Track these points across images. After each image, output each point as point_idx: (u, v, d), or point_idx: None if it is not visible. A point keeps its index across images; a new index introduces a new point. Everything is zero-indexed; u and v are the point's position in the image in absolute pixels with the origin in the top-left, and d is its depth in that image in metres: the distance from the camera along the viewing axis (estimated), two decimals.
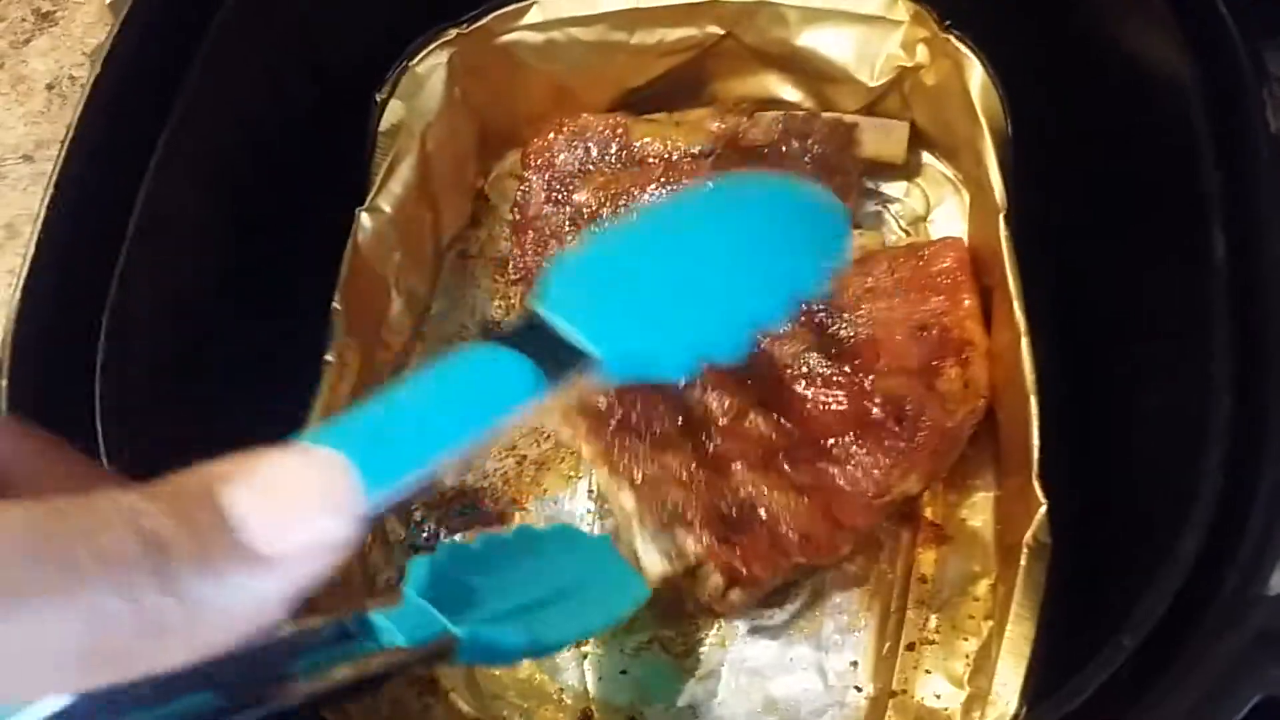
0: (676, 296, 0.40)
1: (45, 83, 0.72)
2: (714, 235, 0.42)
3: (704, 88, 0.65)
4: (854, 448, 0.54)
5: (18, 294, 0.46)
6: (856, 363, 0.56)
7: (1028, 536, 0.47)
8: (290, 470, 0.25)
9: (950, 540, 0.55)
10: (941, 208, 0.63)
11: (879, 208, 0.64)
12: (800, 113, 0.63)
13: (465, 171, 0.65)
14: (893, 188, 0.64)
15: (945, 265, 0.57)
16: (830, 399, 0.55)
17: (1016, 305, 0.52)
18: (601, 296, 0.39)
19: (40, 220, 0.47)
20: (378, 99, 0.59)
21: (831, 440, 0.54)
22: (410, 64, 0.60)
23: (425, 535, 0.59)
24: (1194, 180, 0.43)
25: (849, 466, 0.53)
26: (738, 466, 0.53)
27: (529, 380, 0.35)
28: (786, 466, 0.54)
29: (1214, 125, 0.44)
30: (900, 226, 0.63)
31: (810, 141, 0.61)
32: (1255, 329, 0.41)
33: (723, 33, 0.62)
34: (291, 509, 0.24)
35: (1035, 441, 0.49)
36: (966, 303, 0.56)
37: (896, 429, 0.53)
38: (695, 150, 0.61)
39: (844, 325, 0.57)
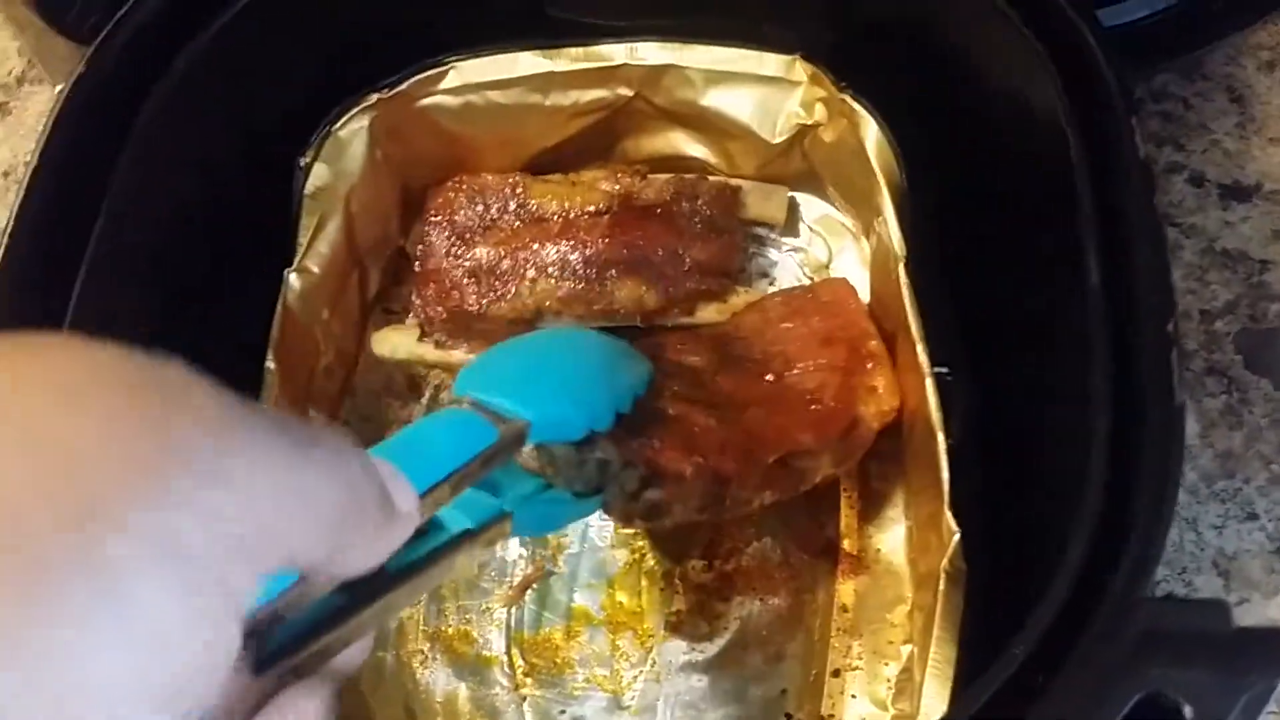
0: (564, 383, 0.52)
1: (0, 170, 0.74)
2: (578, 349, 0.56)
3: (613, 145, 0.68)
4: (773, 410, 0.57)
5: None
6: (771, 365, 0.60)
7: (944, 563, 0.50)
8: (383, 465, 0.30)
9: (868, 570, 0.58)
10: (842, 257, 0.66)
11: (783, 256, 0.68)
12: (690, 176, 0.67)
13: (388, 230, 0.67)
14: (794, 240, 0.68)
15: (835, 296, 0.62)
16: (751, 382, 0.59)
17: (920, 348, 0.55)
18: (518, 381, 0.50)
19: None
20: (302, 164, 0.61)
21: (752, 402, 0.58)
22: (333, 128, 0.62)
23: None
24: (1072, 209, 0.47)
25: (768, 417, 0.57)
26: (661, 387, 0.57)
27: (490, 433, 0.43)
28: (706, 409, 0.57)
29: (1089, 155, 0.48)
30: (804, 275, 0.67)
31: (699, 203, 0.65)
32: (1130, 346, 0.44)
33: (632, 94, 0.65)
34: (398, 487, 0.30)
35: (945, 475, 0.52)
36: (862, 324, 0.61)
37: (813, 401, 0.57)
38: (591, 209, 0.64)
39: (750, 348, 0.61)
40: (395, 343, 0.66)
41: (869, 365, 0.59)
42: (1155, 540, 0.42)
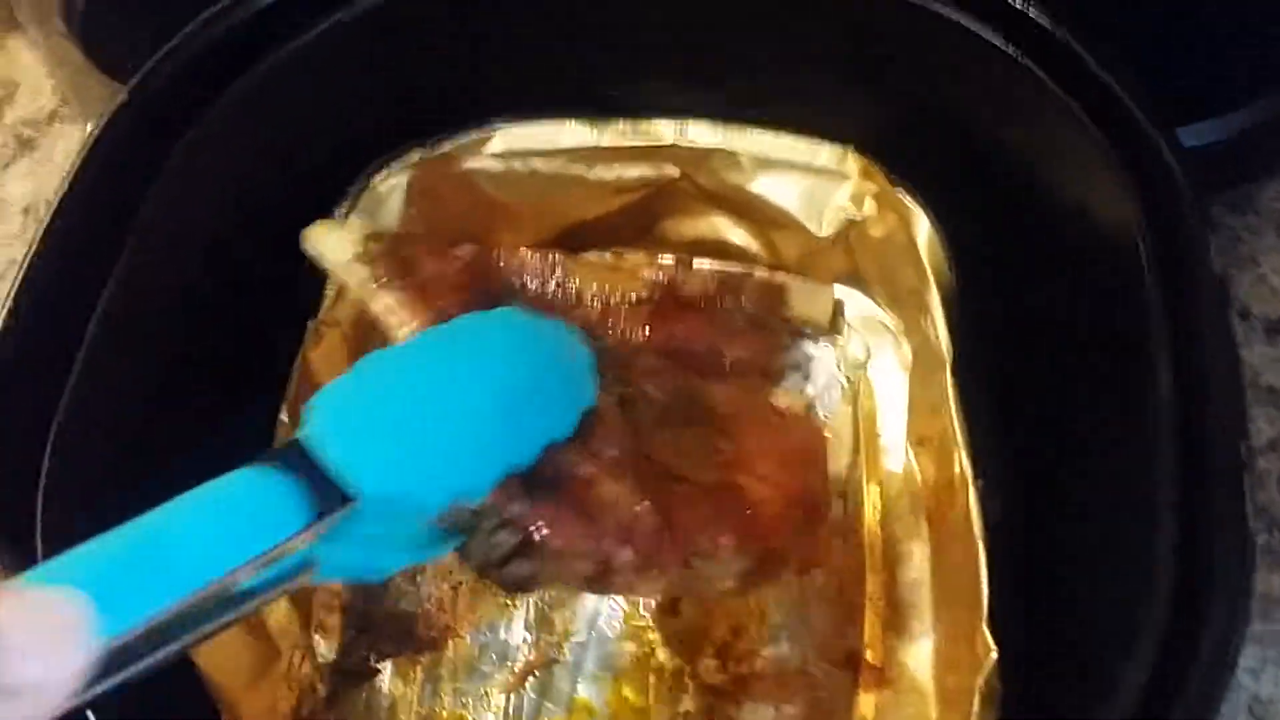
0: (440, 434, 0.41)
1: (22, 206, 0.73)
2: (477, 377, 0.44)
3: (653, 225, 0.67)
4: (706, 500, 0.51)
5: None
6: (729, 452, 0.54)
7: (979, 682, 0.47)
8: (19, 610, 0.25)
9: (891, 684, 0.55)
10: (880, 356, 0.64)
11: (819, 351, 0.66)
12: (735, 270, 0.66)
13: None
14: (833, 336, 0.66)
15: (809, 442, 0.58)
16: (699, 458, 0.53)
17: (963, 453, 0.53)
18: (371, 422, 0.40)
19: None
20: (337, 214, 0.59)
21: (688, 480, 0.51)
22: (371, 181, 0.60)
23: (355, 658, 0.57)
24: (1143, 319, 0.46)
25: (697, 503, 0.50)
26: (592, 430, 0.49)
27: (300, 509, 0.34)
28: (631, 472, 0.49)
29: (1162, 266, 0.46)
30: (840, 371, 0.65)
31: (743, 299, 0.63)
32: (1198, 462, 0.42)
33: (678, 174, 0.63)
34: (20, 649, 0.25)
35: (984, 588, 0.50)
36: (824, 483, 0.57)
37: (750, 512, 0.51)
38: (632, 296, 0.62)
39: (718, 419, 0.56)
40: (329, 243, 0.55)
41: (816, 518, 0.55)
42: (1219, 680, 0.39)
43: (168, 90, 0.52)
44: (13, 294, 0.47)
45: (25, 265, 0.48)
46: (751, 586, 0.52)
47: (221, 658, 0.50)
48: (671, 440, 0.53)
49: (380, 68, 0.58)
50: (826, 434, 0.63)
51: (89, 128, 0.73)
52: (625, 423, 0.51)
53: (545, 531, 0.45)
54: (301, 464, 0.36)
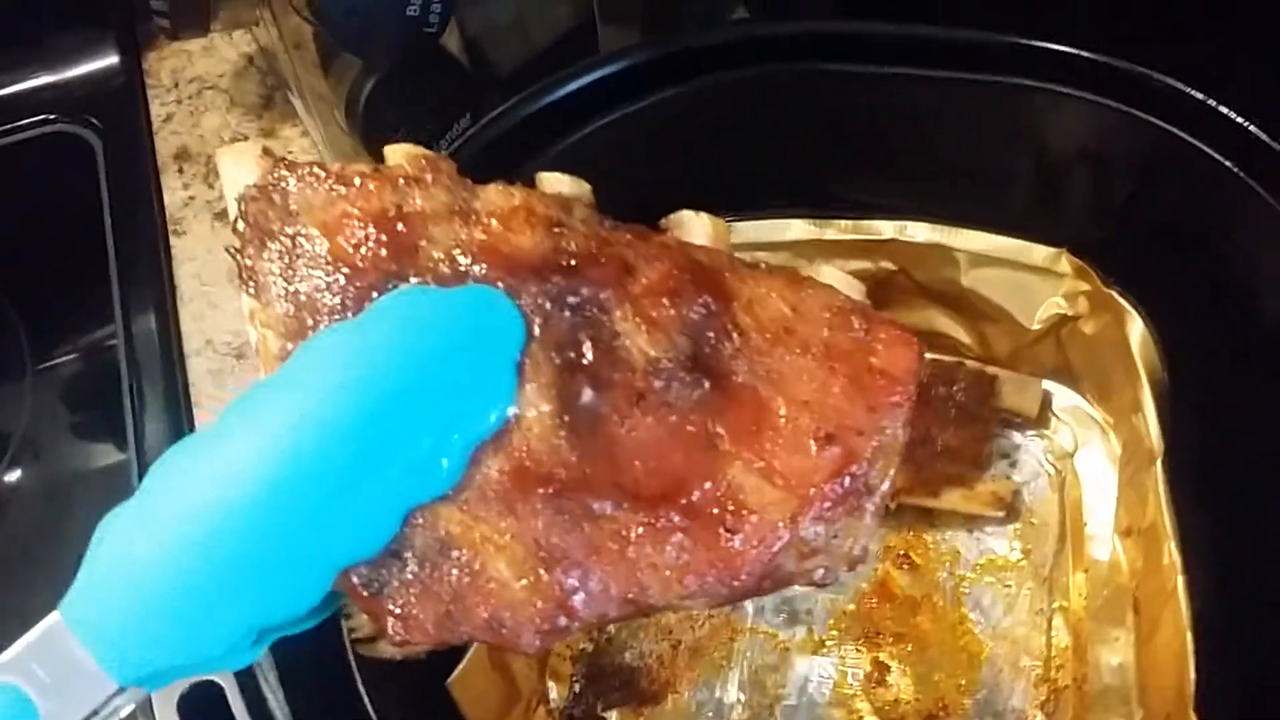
0: (241, 558, 0.34)
1: None
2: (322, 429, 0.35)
3: None
4: (648, 519, 0.38)
5: None
6: (722, 417, 0.39)
7: None
8: None
9: None
10: (1088, 448, 0.67)
11: (1027, 441, 0.68)
12: (948, 360, 0.69)
13: None
14: (1041, 427, 0.69)
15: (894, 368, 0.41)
16: (669, 436, 0.39)
17: (1173, 545, 0.55)
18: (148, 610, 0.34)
19: None
20: None
21: (624, 492, 0.38)
22: None
23: (583, 706, 0.62)
24: None
25: (625, 535, 0.38)
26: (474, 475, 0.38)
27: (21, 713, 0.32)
28: (542, 498, 0.38)
29: None
30: (1048, 462, 0.67)
31: (955, 389, 0.67)
32: None
33: (896, 268, 0.67)
34: None
35: (1192, 675, 0.51)
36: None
37: (716, 532, 0.38)
38: None
39: (730, 359, 0.40)
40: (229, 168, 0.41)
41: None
42: None
43: None
44: None
45: None
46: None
47: (475, 692, 0.55)
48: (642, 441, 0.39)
49: (628, 169, 0.64)
50: (1032, 521, 0.65)
51: None
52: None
53: (398, 626, 0.38)
54: (43, 648, 0.33)
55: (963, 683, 0.61)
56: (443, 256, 0.40)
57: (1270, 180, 0.55)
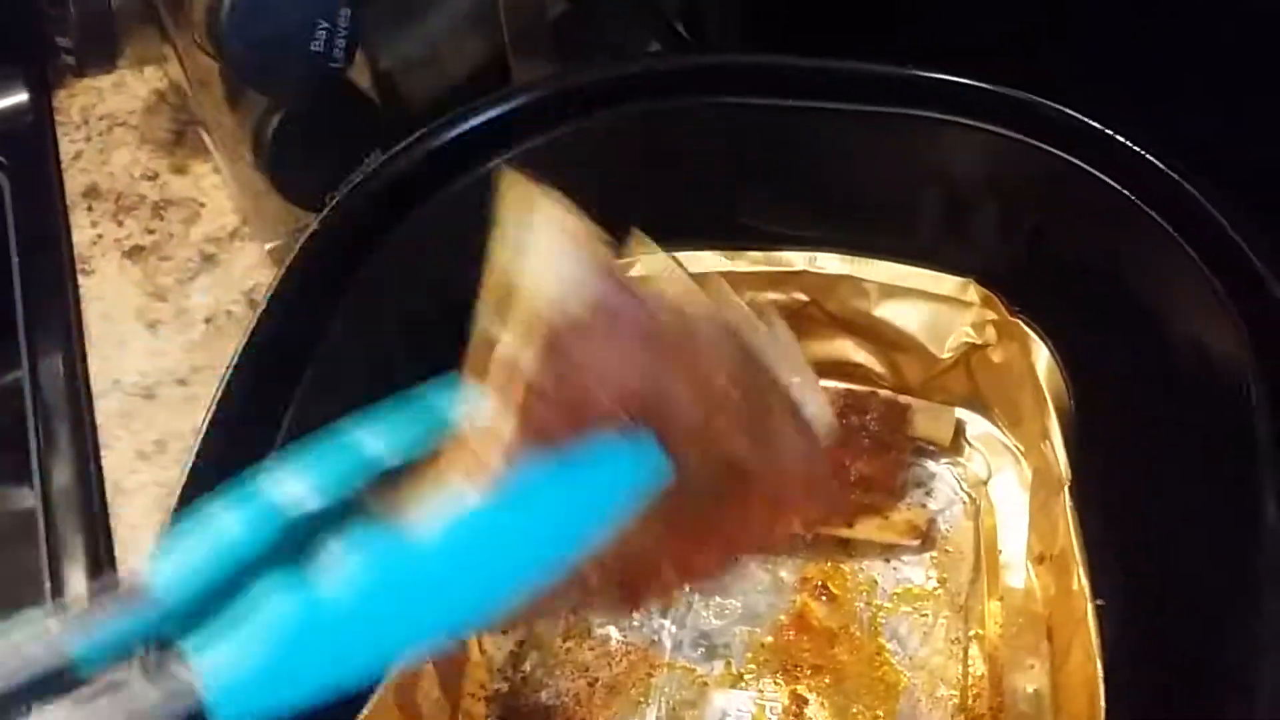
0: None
1: (204, 316, 0.80)
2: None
3: None
4: None
5: (175, 499, 0.50)
6: None
7: None
8: None
9: None
10: (1001, 474, 0.67)
11: (940, 469, 0.69)
12: (860, 389, 0.69)
13: None
14: (955, 455, 0.69)
15: None
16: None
17: (1081, 571, 0.55)
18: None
19: (201, 434, 0.52)
20: None
21: None
22: None
23: None
24: (1249, 459, 0.48)
25: None
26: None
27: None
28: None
29: (1271, 410, 0.49)
30: (963, 490, 0.67)
31: (868, 418, 0.67)
32: None
33: (807, 299, 0.67)
34: None
35: (1102, 701, 0.52)
36: None
37: None
38: None
39: None
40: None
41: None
42: None
43: (351, 220, 0.59)
44: (211, 411, 0.52)
45: (222, 385, 0.53)
46: None
47: None
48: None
49: None
50: (948, 549, 0.65)
51: (266, 246, 0.81)
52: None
53: None
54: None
55: (880, 714, 0.61)
56: None
57: (1167, 208, 0.56)
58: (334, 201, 0.59)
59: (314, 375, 0.55)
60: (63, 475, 0.73)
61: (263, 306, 0.55)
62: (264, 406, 0.53)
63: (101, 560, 0.70)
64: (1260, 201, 0.55)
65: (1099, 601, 0.54)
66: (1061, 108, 0.58)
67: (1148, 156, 0.56)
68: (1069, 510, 0.57)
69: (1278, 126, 0.63)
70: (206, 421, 0.52)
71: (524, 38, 0.76)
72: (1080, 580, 0.55)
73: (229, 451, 0.52)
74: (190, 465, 0.50)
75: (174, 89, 0.91)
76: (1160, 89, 0.60)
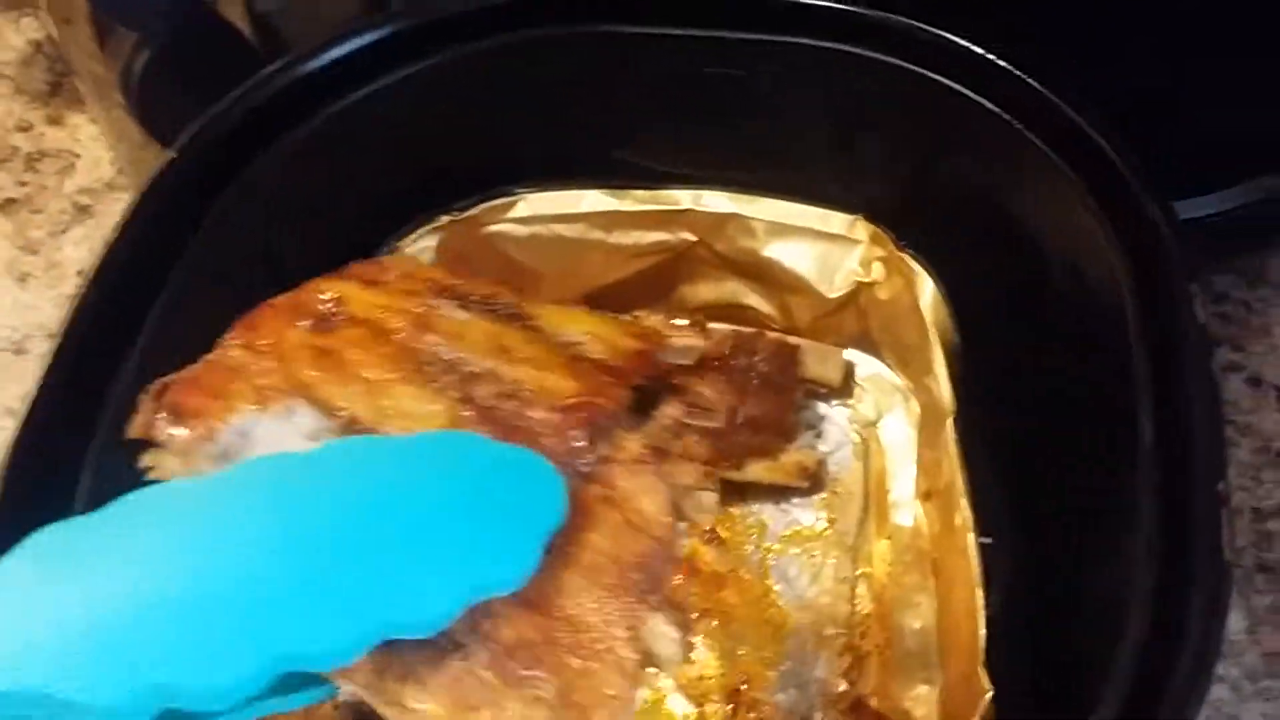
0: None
1: (77, 269, 0.78)
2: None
3: (672, 289, 0.69)
4: None
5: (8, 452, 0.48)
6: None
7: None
8: None
9: None
10: (890, 414, 0.66)
11: (831, 411, 0.68)
12: (748, 331, 0.68)
13: None
14: (844, 397, 0.68)
15: None
16: None
17: (964, 502, 0.55)
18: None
19: (37, 385, 0.49)
20: None
21: None
22: (399, 244, 0.64)
23: None
24: (1127, 374, 0.48)
25: None
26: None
27: None
28: None
29: (1146, 319, 0.48)
30: (853, 431, 0.67)
31: (757, 359, 0.65)
32: (1181, 506, 0.44)
33: (694, 239, 0.66)
34: None
35: (981, 631, 0.51)
36: None
37: None
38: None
39: None
40: None
41: None
42: (1191, 706, 0.40)
43: (209, 150, 0.56)
44: (55, 345, 0.50)
45: (71, 312, 0.51)
46: None
47: None
48: None
49: (411, 136, 0.62)
50: (837, 490, 0.65)
51: None
52: None
53: None
54: None
55: (767, 655, 0.60)
56: None
57: (1048, 134, 0.55)
58: (193, 129, 0.56)
59: (165, 310, 0.53)
60: None
61: (115, 233, 0.52)
62: (112, 341, 0.51)
63: None
64: (1148, 136, 0.54)
65: (985, 539, 0.54)
66: (943, 34, 0.57)
67: (1029, 81, 0.55)
68: (952, 443, 0.57)
69: (1220, 88, 0.63)
70: (51, 353, 0.49)
71: None
72: (964, 513, 0.55)
73: (75, 379, 0.49)
74: (30, 402, 0.48)
75: (50, 40, 0.88)
76: (1108, 49, 0.60)
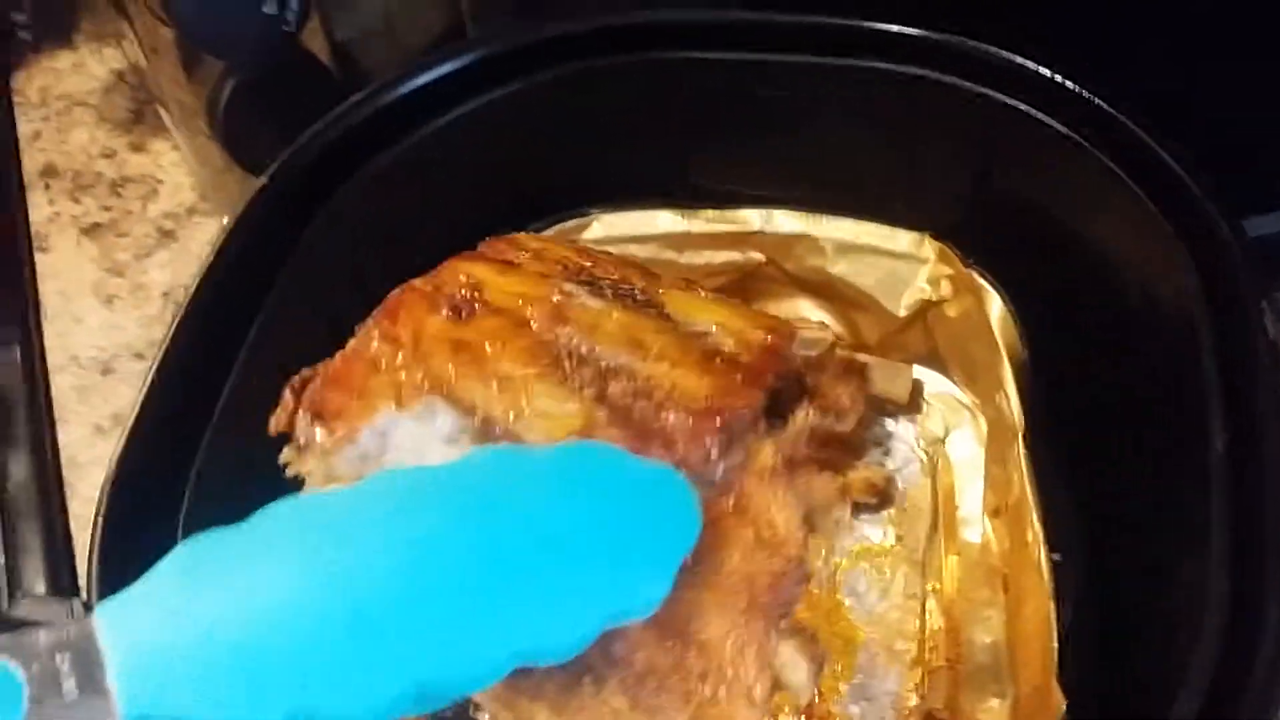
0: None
1: (161, 291, 0.80)
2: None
3: None
4: None
5: (113, 467, 0.50)
6: None
7: None
8: None
9: None
10: (958, 431, 0.67)
11: (898, 428, 0.68)
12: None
13: None
14: (912, 413, 0.68)
15: None
16: None
17: (1035, 518, 0.55)
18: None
19: (138, 404, 0.51)
20: None
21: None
22: None
23: None
24: (1198, 386, 0.48)
25: None
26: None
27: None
28: None
29: (1218, 338, 0.49)
30: (920, 448, 0.67)
31: (825, 375, 0.66)
32: (1252, 521, 0.44)
33: (764, 259, 0.67)
34: None
35: (1054, 644, 0.52)
36: None
37: None
38: None
39: None
40: None
41: None
42: (1266, 716, 0.41)
43: (299, 177, 0.58)
44: (154, 367, 0.52)
45: (166, 340, 0.53)
46: None
47: None
48: None
49: (489, 160, 0.63)
50: (905, 506, 0.65)
51: (224, 220, 0.80)
52: None
53: None
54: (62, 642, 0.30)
55: (839, 668, 0.61)
56: None
57: (1118, 154, 0.56)
58: (283, 157, 0.58)
59: (260, 333, 0.55)
60: (18, 451, 0.72)
61: (209, 260, 0.54)
62: (208, 364, 0.53)
63: (56, 535, 0.69)
64: (1219, 153, 0.55)
65: (1056, 556, 0.55)
66: (1011, 55, 0.58)
67: (1094, 100, 0.56)
68: (1023, 459, 0.57)
69: (1233, 90, 0.63)
70: (150, 375, 0.51)
71: (484, 6, 0.75)
72: (1035, 529, 0.55)
73: (172, 406, 0.51)
74: (133, 420, 0.50)
75: (133, 69, 0.90)
76: (1122, 52, 0.61)
